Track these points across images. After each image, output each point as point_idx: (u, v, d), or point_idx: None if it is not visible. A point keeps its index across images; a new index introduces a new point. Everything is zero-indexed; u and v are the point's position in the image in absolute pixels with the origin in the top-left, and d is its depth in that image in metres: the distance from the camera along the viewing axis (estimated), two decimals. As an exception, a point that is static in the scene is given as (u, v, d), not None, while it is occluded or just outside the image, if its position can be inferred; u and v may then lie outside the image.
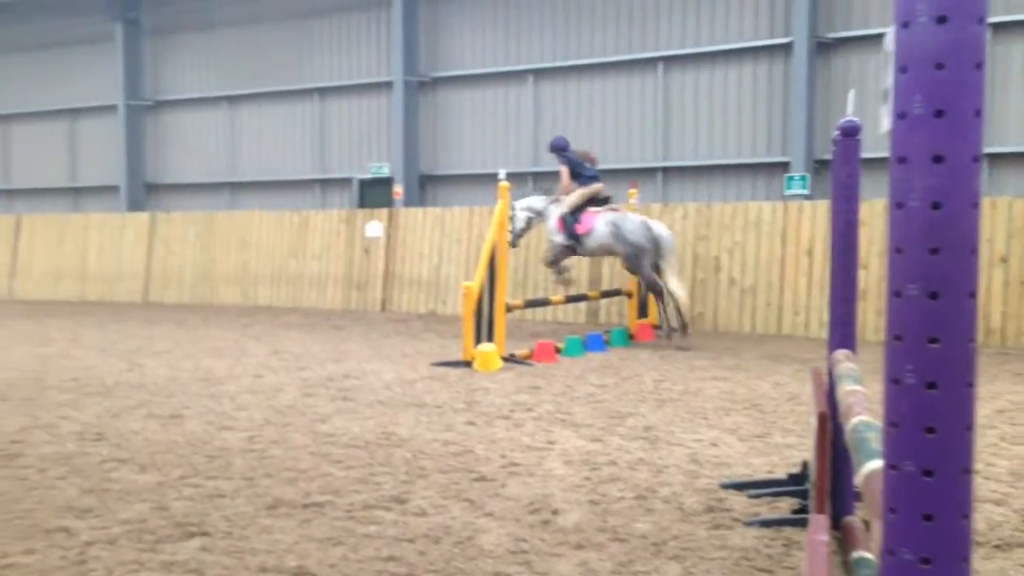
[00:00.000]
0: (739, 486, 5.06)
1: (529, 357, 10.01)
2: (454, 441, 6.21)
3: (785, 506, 4.72)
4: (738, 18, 16.55)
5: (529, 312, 13.43)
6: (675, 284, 11.47)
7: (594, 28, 17.90)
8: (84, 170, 23.80)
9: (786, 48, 15.87)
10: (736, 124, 16.67)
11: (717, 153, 16.92)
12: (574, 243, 11.81)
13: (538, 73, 18.48)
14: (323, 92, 20.76)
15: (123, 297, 18.94)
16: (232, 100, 21.80)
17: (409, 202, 18.99)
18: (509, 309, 10.18)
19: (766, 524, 4.41)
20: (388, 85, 19.63)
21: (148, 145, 22.88)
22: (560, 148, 12.18)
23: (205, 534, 4.27)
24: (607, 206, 12.01)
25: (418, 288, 16.06)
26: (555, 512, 4.62)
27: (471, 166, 19.33)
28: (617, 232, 11.53)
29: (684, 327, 11.42)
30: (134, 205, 22.32)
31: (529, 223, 12.14)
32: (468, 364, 9.49)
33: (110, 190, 22.92)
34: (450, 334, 12.42)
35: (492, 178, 17.87)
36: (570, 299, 12.31)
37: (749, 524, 4.43)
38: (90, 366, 9.68)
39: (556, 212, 11.90)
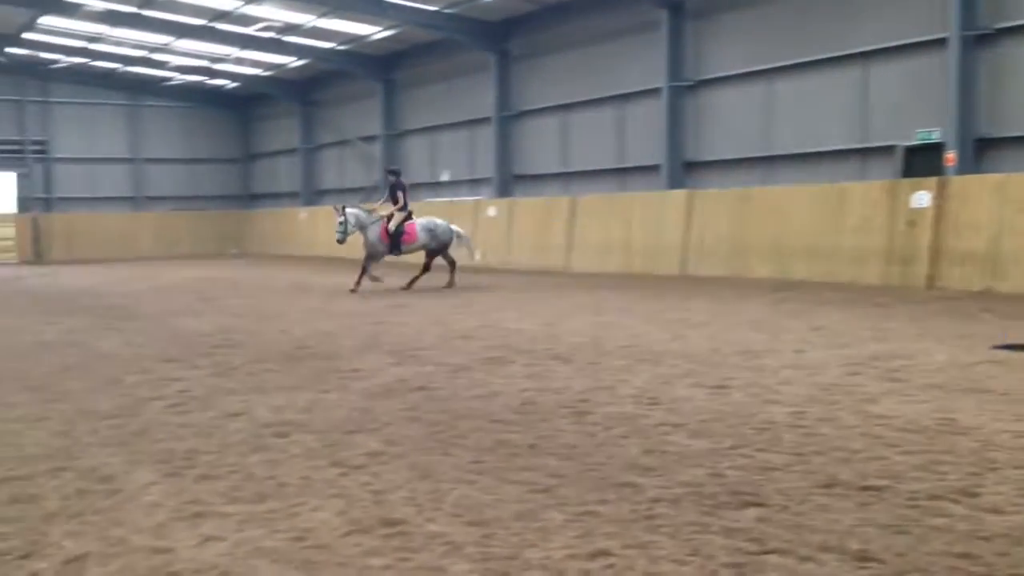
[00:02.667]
0: None
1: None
2: (1029, 435, 5.52)
3: None
4: None
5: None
6: (463, 254, 18.37)
7: None
8: (630, 151, 25.54)
9: None
10: None
11: None
12: (396, 251, 17.21)
13: None
14: (866, 56, 19.75)
15: (662, 270, 20.02)
16: (768, 74, 21.75)
17: (963, 169, 17.28)
18: (1092, 288, 8.80)
19: None
20: (941, 42, 18.03)
21: (688, 124, 23.81)
22: (399, 174, 17.81)
23: (761, 505, 4.30)
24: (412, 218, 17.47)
25: (972, 263, 14.61)
26: None
27: (1038, 125, 17.02)
28: (434, 235, 17.43)
29: (450, 283, 17.49)
30: (674, 183, 23.42)
31: (355, 228, 17.06)
32: (1039, 349, 8.42)
33: (652, 169, 24.30)
34: (1012, 314, 11.13)
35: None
36: None
37: None
38: (638, 335, 10.36)
39: (378, 228, 17.07)
